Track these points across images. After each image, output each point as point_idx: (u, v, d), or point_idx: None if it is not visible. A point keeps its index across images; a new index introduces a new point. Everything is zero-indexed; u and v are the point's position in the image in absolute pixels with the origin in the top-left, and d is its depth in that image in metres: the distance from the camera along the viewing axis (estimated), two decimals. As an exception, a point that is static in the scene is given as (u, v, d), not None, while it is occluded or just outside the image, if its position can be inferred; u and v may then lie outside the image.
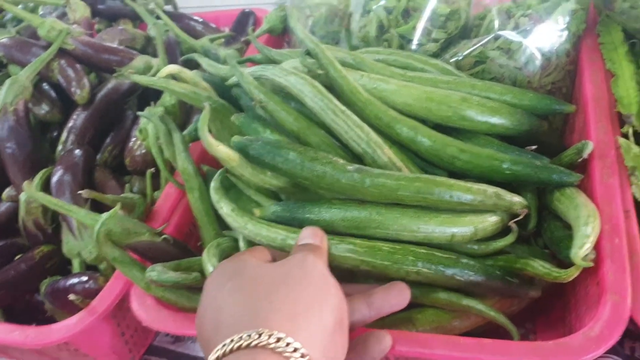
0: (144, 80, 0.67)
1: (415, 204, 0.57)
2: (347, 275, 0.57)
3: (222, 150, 0.57)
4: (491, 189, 0.58)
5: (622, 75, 0.69)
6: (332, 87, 0.65)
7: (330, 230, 0.57)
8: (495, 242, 0.59)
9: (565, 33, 0.74)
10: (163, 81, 0.65)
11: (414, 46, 0.77)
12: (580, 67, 0.73)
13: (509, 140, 0.68)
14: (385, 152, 0.61)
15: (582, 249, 0.50)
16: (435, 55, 0.77)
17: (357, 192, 0.57)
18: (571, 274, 0.52)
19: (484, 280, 0.57)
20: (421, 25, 0.76)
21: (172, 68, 0.66)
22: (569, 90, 0.75)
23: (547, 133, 0.73)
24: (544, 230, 0.62)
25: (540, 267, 0.55)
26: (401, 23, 0.76)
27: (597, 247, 0.54)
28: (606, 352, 0.53)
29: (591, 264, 0.51)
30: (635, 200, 0.59)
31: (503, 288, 0.58)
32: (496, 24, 0.74)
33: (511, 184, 0.63)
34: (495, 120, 0.66)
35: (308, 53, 0.67)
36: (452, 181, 0.57)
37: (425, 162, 0.65)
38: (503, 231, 0.59)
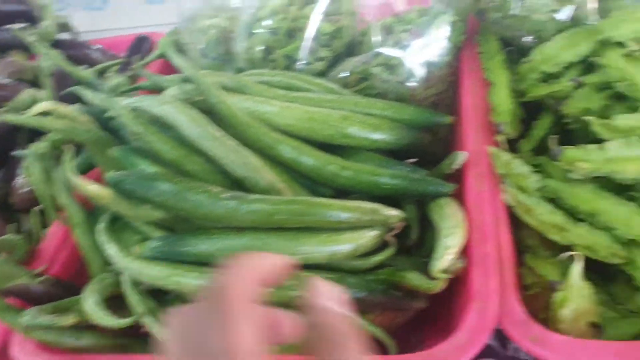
0: (15, 119, 0.65)
1: (294, 226, 0.58)
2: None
3: (91, 190, 0.57)
4: (368, 205, 0.59)
5: (498, 83, 0.72)
6: (212, 112, 0.65)
7: (211, 261, 0.57)
8: (374, 257, 0.61)
9: (446, 45, 0.76)
10: (35, 119, 0.64)
11: (300, 66, 0.78)
12: (461, 78, 0.76)
13: (394, 153, 0.70)
14: (265, 176, 0.62)
15: (439, 261, 0.52)
16: (322, 73, 0.79)
17: (234, 219, 0.57)
18: (438, 285, 0.54)
19: (367, 296, 0.59)
20: (307, 44, 0.77)
21: (45, 105, 0.65)
22: (452, 101, 0.78)
23: (432, 144, 0.75)
24: (425, 241, 0.64)
25: (414, 278, 0.57)
26: (286, 44, 0.77)
27: (467, 254, 0.57)
28: (485, 357, 0.55)
29: (447, 276, 0.53)
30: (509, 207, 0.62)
31: (386, 302, 0.59)
32: (377, 40, 0.76)
33: (392, 197, 0.64)
34: (377, 136, 0.68)
35: (187, 79, 0.67)
36: (329, 201, 0.59)
37: (310, 181, 0.66)
38: (386, 244, 0.61)
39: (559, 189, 0.64)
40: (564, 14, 0.71)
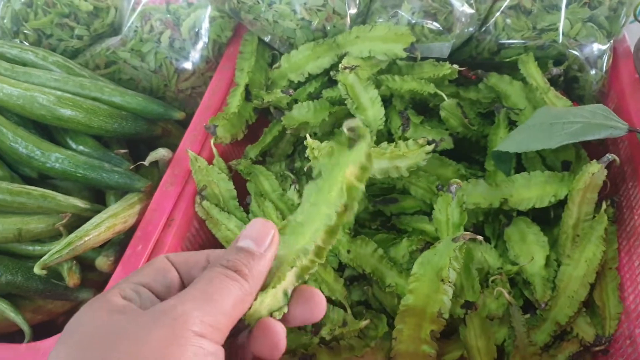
0: None
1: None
2: None
3: None
4: (37, 191, 0.59)
5: (240, 84, 0.73)
6: None
7: None
8: (48, 245, 0.61)
9: (205, 40, 0.77)
10: None
11: (54, 42, 0.77)
12: (215, 75, 0.77)
13: (129, 140, 0.71)
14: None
15: (41, 260, 0.53)
16: (79, 51, 0.78)
17: None
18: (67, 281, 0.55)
19: (22, 282, 0.59)
20: (61, 21, 0.77)
21: None
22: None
23: (177, 136, 0.76)
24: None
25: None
26: (40, 17, 0.77)
27: (125, 252, 0.57)
28: None
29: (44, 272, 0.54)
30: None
31: (44, 289, 0.60)
32: (132, 25, 0.76)
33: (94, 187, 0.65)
34: (93, 122, 0.67)
35: None
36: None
37: (11, 159, 0.67)
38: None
39: (258, 201, 0.65)
40: (314, 24, 0.72)
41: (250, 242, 0.33)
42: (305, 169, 0.64)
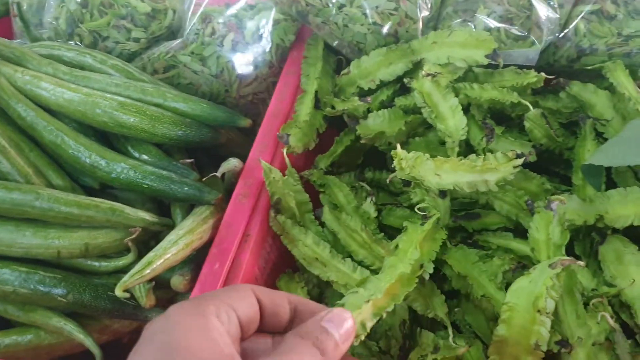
0: None
1: (17, 216, 0.55)
2: None
3: None
4: (105, 204, 0.57)
5: (309, 91, 0.70)
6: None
7: None
8: (115, 261, 0.58)
9: (268, 44, 0.74)
10: None
11: (111, 44, 0.74)
12: (279, 80, 0.74)
13: (190, 148, 0.68)
14: (11, 158, 0.59)
15: (124, 279, 0.50)
16: (136, 54, 0.76)
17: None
18: (142, 301, 0.52)
19: (90, 301, 0.56)
20: (118, 23, 0.74)
21: None
22: (272, 102, 0.75)
23: (240, 144, 0.73)
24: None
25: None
26: (96, 18, 0.74)
27: (202, 271, 0.55)
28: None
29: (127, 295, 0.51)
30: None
31: (112, 308, 0.57)
32: (193, 28, 0.73)
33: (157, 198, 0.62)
34: (157, 129, 0.65)
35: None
36: (59, 194, 0.56)
37: (72, 169, 0.64)
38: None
39: (334, 214, 0.62)
40: (386, 28, 0.69)
41: (335, 331, 0.34)
42: (387, 181, 0.60)
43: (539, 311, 0.47)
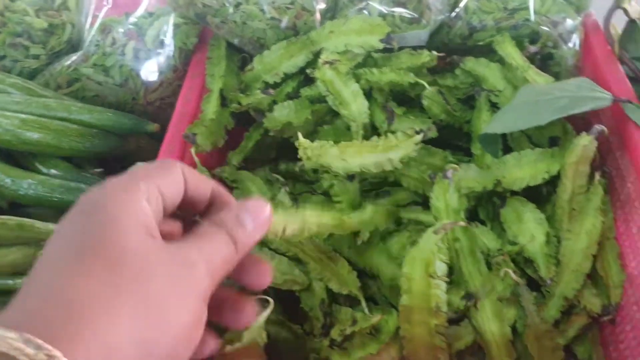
0: None
1: None
2: None
3: None
4: (13, 221, 0.57)
5: (214, 90, 0.72)
6: None
7: None
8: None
9: (171, 49, 0.75)
10: None
11: (9, 62, 0.74)
12: (184, 83, 0.75)
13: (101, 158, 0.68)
14: None
15: None
16: (37, 71, 0.75)
17: None
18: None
19: None
20: (14, 40, 0.74)
21: None
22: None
23: (151, 150, 0.73)
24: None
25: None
26: (-7, 38, 0.73)
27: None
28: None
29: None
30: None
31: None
32: (93, 39, 0.73)
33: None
34: (64, 143, 0.65)
35: None
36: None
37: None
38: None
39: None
40: (284, 22, 0.71)
41: (250, 221, 0.35)
42: (297, 169, 0.62)
43: (431, 276, 0.50)
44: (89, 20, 0.77)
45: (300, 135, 0.58)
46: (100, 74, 0.73)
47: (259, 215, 0.36)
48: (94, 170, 0.65)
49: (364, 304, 0.56)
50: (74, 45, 0.78)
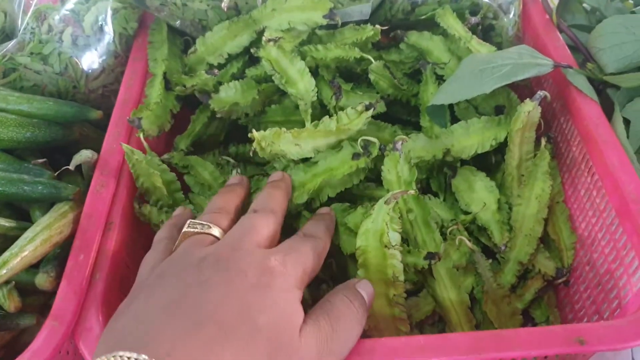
0: None
1: None
2: None
3: None
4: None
5: (157, 74, 0.70)
6: None
7: None
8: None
9: (111, 34, 0.73)
10: None
11: (-61, 55, 0.71)
12: (126, 69, 0.73)
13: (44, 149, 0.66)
14: None
15: None
16: (-30, 63, 0.72)
17: None
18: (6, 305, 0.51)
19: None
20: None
21: None
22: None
23: (95, 139, 0.72)
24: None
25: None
26: None
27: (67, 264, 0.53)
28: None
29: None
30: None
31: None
32: (28, 27, 0.71)
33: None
34: (2, 135, 0.62)
35: None
36: None
37: None
38: None
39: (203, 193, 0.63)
40: (226, 2, 0.70)
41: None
42: (250, 153, 0.61)
43: (386, 246, 0.51)
44: (21, 7, 0.74)
45: (254, 131, 0.56)
46: (38, 62, 0.70)
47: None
48: (36, 161, 0.62)
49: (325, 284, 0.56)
50: (8, 35, 0.75)
